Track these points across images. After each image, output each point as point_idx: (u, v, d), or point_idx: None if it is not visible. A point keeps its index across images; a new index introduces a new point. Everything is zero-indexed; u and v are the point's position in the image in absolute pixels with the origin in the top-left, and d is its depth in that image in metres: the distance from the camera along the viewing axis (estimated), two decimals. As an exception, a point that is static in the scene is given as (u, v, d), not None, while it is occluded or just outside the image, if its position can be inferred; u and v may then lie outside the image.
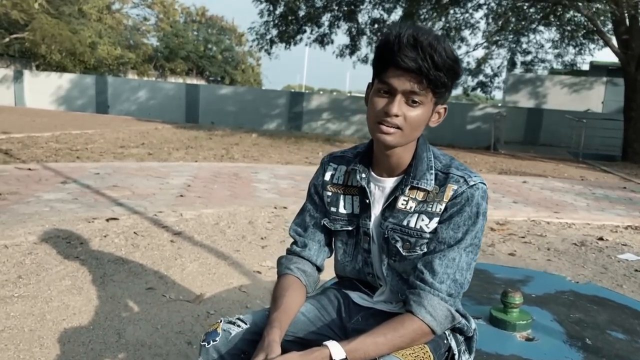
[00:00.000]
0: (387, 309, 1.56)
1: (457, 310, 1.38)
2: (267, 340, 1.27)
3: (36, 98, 22.58)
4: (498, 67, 20.97)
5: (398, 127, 1.32)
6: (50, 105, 22.63)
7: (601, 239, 5.40)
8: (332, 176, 1.57)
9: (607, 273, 4.30)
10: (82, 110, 22.13)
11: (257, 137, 14.72)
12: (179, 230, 4.66)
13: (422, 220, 1.41)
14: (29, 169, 7.15)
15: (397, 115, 1.30)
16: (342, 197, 1.55)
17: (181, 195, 6.03)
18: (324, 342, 1.25)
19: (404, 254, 1.45)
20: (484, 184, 1.42)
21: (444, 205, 1.40)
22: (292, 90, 25.62)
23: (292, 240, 1.63)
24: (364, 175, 1.48)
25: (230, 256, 4.08)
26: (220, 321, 1.40)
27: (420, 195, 1.43)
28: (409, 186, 1.42)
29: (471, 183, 1.39)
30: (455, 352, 1.49)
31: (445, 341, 1.46)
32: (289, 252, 1.61)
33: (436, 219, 1.40)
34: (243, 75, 51.07)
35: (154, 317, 2.97)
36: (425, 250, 1.42)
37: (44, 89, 22.69)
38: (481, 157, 13.65)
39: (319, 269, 1.60)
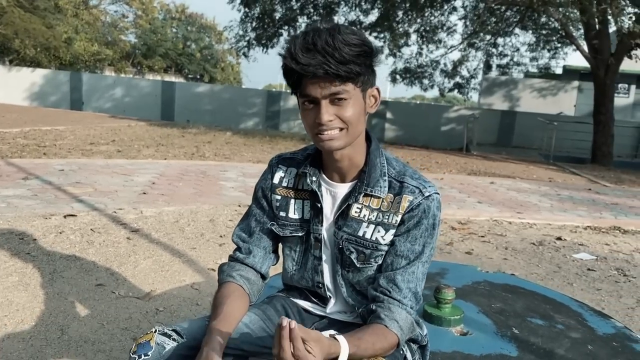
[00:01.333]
0: (343, 318, 1.53)
1: (416, 321, 1.40)
2: (206, 351, 1.20)
3: (8, 93, 22.18)
4: (474, 70, 21.19)
5: (339, 129, 1.29)
6: (23, 101, 22.29)
7: (559, 238, 5.50)
8: (282, 179, 1.51)
9: (559, 272, 4.38)
10: (55, 107, 21.80)
11: (231, 136, 14.66)
12: (137, 227, 4.62)
13: (378, 231, 1.39)
14: (-8, 165, 7.03)
15: (330, 121, 1.27)
16: (292, 201, 1.49)
17: (144, 193, 5.98)
18: (334, 335, 1.20)
19: (358, 265, 1.42)
20: (438, 193, 1.40)
21: (400, 216, 1.38)
22: (270, 90, 25.54)
23: (235, 246, 1.55)
24: (314, 179, 1.44)
25: (185, 254, 4.06)
26: (155, 331, 1.29)
27: (374, 203, 1.40)
28: (363, 193, 1.39)
29: (427, 194, 1.37)
30: None
31: (401, 351, 1.44)
32: (232, 258, 1.53)
33: (392, 231, 1.39)
34: (223, 73, 50.79)
35: (100, 313, 2.94)
36: (380, 262, 1.40)
37: (16, 84, 22.33)
38: (453, 158, 13.77)
39: (264, 277, 1.53)
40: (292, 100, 20.98)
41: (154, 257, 3.92)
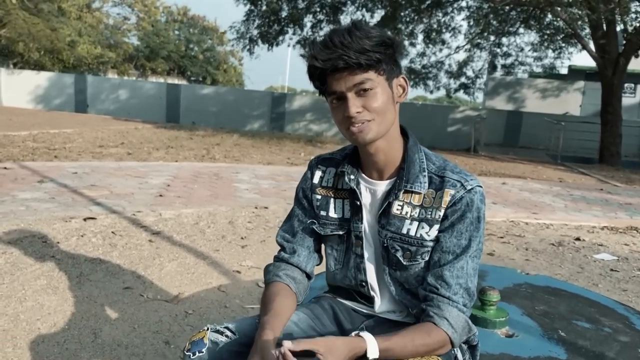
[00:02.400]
0: (392, 317, 1.51)
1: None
2: (260, 342, 1.21)
3: (13, 97, 22.17)
4: (479, 70, 21.15)
5: (368, 120, 1.30)
6: (27, 104, 22.26)
7: (578, 239, 5.47)
8: (322, 179, 1.52)
9: (583, 272, 4.36)
10: (60, 109, 21.80)
11: (239, 138, 14.66)
12: (157, 230, 4.61)
13: (422, 228, 1.38)
14: (5, 168, 7.02)
15: (358, 112, 1.28)
16: (332, 200, 1.50)
17: (160, 195, 5.97)
18: (359, 333, 1.22)
19: (404, 263, 1.41)
20: (481, 186, 1.38)
21: (442, 211, 1.36)
22: (275, 92, 25.54)
23: (279, 247, 1.56)
24: (352, 177, 1.44)
25: (209, 256, 4.05)
26: (207, 329, 1.31)
27: (415, 199, 1.39)
28: (402, 190, 1.38)
29: (469, 187, 1.36)
30: None
31: (452, 351, 1.41)
32: (277, 259, 1.54)
33: (436, 226, 1.37)
34: (225, 75, 50.74)
35: (131, 316, 2.93)
36: (427, 258, 1.39)
37: (21, 87, 22.31)
38: (461, 158, 13.75)
39: (309, 276, 1.54)
40: (297, 102, 21.00)
41: (178, 259, 3.91)
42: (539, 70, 21.64)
